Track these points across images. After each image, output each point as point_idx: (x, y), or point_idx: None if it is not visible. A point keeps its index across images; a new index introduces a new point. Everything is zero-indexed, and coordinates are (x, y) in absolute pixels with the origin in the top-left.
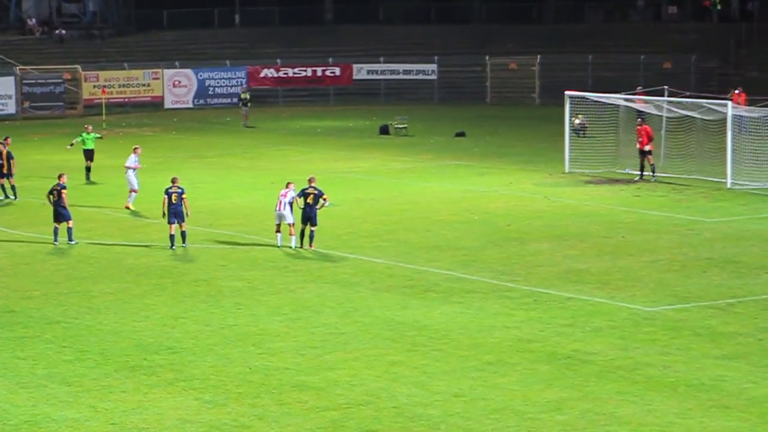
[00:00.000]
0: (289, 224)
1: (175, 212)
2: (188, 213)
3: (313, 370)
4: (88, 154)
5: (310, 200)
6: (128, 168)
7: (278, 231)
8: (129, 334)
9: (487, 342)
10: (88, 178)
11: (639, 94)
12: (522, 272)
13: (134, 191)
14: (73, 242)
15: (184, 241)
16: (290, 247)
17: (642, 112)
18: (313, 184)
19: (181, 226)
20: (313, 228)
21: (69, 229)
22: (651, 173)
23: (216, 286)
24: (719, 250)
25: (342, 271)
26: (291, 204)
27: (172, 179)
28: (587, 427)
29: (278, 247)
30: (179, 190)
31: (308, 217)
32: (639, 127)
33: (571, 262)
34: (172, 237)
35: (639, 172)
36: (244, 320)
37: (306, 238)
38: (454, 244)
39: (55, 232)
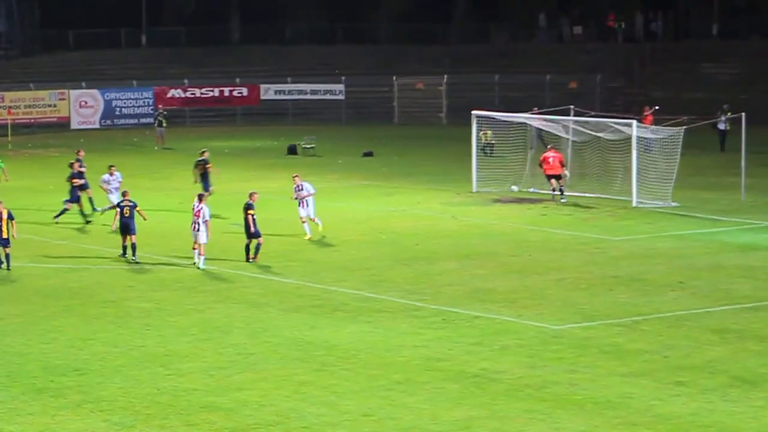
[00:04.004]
0: (201, 243)
1: (125, 225)
2: (145, 218)
3: (221, 391)
4: None
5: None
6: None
7: (195, 248)
8: (36, 356)
9: (395, 361)
10: None
11: (536, 114)
12: (430, 291)
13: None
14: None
15: (134, 254)
16: (197, 264)
17: (541, 133)
18: (127, 197)
19: (131, 239)
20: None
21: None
22: (561, 193)
23: (124, 307)
24: (625, 268)
25: (251, 292)
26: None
27: (123, 193)
28: None
29: (194, 264)
30: (131, 204)
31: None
32: (546, 154)
33: (478, 281)
34: (124, 247)
35: (559, 196)
36: (153, 341)
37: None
38: (363, 264)
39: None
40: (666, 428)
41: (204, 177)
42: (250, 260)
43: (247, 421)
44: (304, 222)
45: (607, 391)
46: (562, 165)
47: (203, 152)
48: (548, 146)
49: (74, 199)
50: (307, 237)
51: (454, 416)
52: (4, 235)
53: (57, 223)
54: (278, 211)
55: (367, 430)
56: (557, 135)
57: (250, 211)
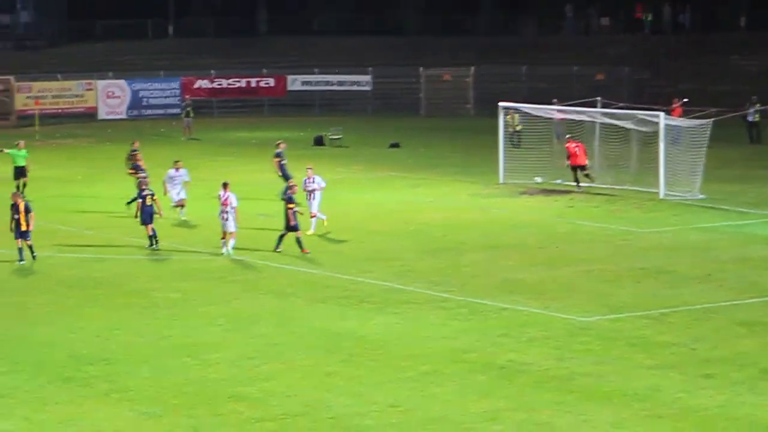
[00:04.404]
0: (230, 232)
1: (150, 214)
2: (160, 213)
3: (249, 381)
4: (20, 172)
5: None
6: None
7: (223, 238)
8: (63, 346)
9: (423, 352)
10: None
11: (556, 105)
12: (457, 283)
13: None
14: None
15: (156, 243)
16: (225, 253)
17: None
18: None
19: (150, 228)
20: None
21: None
22: (577, 183)
23: (151, 297)
24: (652, 260)
25: (278, 282)
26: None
27: (143, 182)
28: None
29: (223, 254)
30: (152, 193)
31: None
32: (569, 146)
33: (506, 273)
34: (150, 237)
35: (575, 183)
36: (180, 331)
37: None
38: (389, 255)
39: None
40: (693, 421)
41: (282, 168)
42: (303, 252)
43: (274, 411)
44: (312, 217)
45: (635, 383)
46: (585, 154)
47: (279, 144)
48: (566, 137)
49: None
50: (310, 232)
51: (482, 407)
52: (23, 228)
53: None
54: (304, 202)
55: (395, 421)
56: (620, 126)
57: (290, 205)
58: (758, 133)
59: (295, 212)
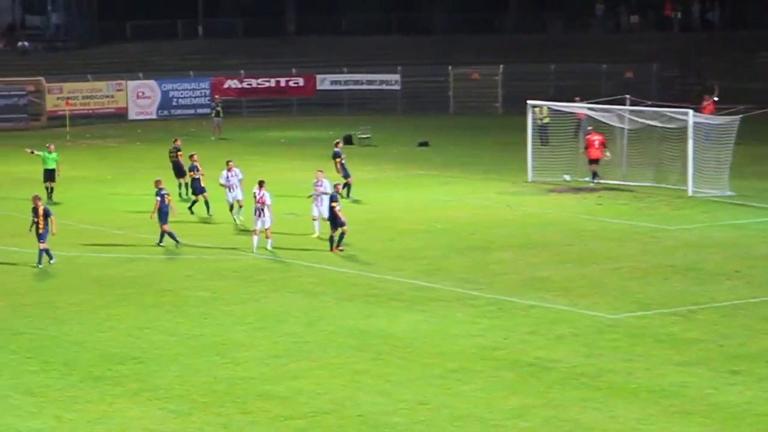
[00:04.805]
0: (266, 228)
1: (166, 213)
2: (174, 213)
3: (277, 379)
4: (49, 174)
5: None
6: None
7: (256, 234)
8: (94, 345)
9: (451, 350)
10: (50, 198)
11: (578, 102)
12: (485, 280)
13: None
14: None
15: (161, 240)
16: (266, 249)
17: (579, 122)
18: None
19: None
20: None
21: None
22: (595, 178)
23: (181, 296)
24: (681, 257)
25: (306, 281)
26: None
27: (157, 181)
28: None
29: (254, 252)
30: (167, 192)
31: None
32: (590, 137)
33: (534, 270)
34: (171, 235)
35: (593, 180)
36: (209, 330)
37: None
38: (418, 253)
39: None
40: (721, 417)
41: (342, 167)
42: (334, 250)
43: (302, 410)
44: (315, 220)
45: (662, 380)
46: (604, 146)
47: (337, 143)
48: (588, 129)
49: (199, 190)
50: (315, 235)
51: (509, 405)
52: (41, 231)
53: (193, 213)
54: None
55: (423, 419)
56: (648, 124)
57: (333, 203)
58: None
59: (338, 209)
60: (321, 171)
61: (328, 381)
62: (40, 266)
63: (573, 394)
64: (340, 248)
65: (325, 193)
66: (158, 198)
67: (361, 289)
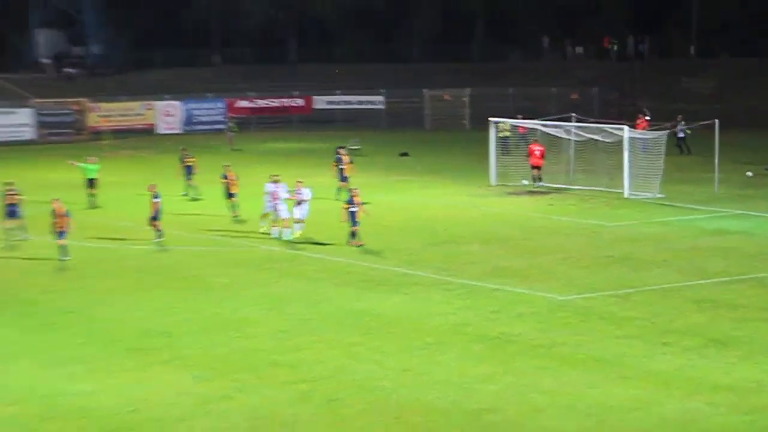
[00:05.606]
0: (283, 219)
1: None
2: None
3: (284, 351)
4: (90, 183)
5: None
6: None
7: (275, 225)
8: (131, 322)
9: (429, 326)
10: (91, 203)
11: (522, 118)
12: (457, 269)
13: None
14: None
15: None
16: (275, 235)
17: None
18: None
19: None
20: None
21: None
22: (537, 182)
23: (204, 281)
24: (618, 249)
25: (308, 269)
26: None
27: (151, 186)
28: (513, 395)
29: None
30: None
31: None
32: (532, 147)
33: (497, 260)
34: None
35: (535, 183)
36: (227, 309)
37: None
38: (401, 246)
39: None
40: (654, 381)
41: (340, 171)
42: (351, 244)
43: (306, 376)
44: (297, 222)
45: (605, 351)
46: (543, 157)
47: (338, 149)
48: (534, 140)
49: (229, 195)
50: (297, 234)
51: (478, 371)
52: (59, 229)
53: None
54: (327, 202)
55: (407, 383)
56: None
57: (345, 205)
58: (687, 146)
59: (352, 211)
60: (301, 181)
61: (327, 352)
62: (64, 259)
63: (531, 362)
64: (356, 243)
65: (304, 200)
66: (156, 200)
67: (355, 276)
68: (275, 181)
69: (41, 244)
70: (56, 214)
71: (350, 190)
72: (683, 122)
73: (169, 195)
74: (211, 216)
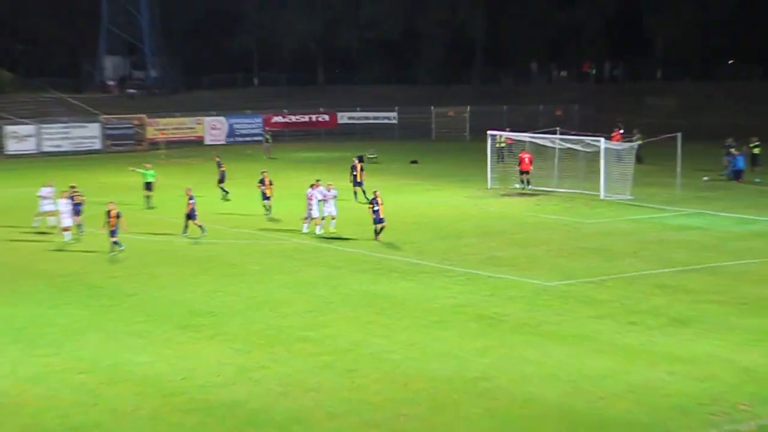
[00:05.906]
0: (314, 218)
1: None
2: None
3: (311, 327)
4: (148, 186)
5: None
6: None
7: (305, 222)
8: (182, 302)
9: (433, 307)
10: (148, 204)
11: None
12: (458, 258)
13: (311, 217)
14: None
15: (186, 231)
16: (314, 234)
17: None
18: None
19: (196, 222)
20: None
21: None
22: (526, 185)
23: (243, 268)
24: (595, 242)
25: (330, 258)
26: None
27: (188, 189)
28: (504, 365)
29: (304, 232)
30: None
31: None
32: (522, 155)
33: (492, 251)
34: (200, 226)
35: (524, 186)
36: (263, 292)
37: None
38: (410, 239)
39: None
40: (624, 354)
41: (354, 177)
42: (376, 240)
43: (329, 348)
44: (306, 219)
45: (583, 329)
46: (531, 163)
47: (356, 158)
48: (522, 149)
49: (265, 197)
50: (331, 230)
51: (475, 345)
52: (111, 227)
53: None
54: (348, 202)
55: (414, 355)
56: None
57: (369, 206)
58: (640, 157)
59: (376, 210)
60: (319, 180)
61: (346, 328)
62: (113, 254)
63: (520, 338)
64: (377, 239)
65: (323, 200)
66: (191, 201)
67: (370, 265)
68: (315, 186)
69: (103, 238)
70: (110, 215)
71: (373, 192)
72: (639, 135)
73: (213, 197)
74: (247, 216)
